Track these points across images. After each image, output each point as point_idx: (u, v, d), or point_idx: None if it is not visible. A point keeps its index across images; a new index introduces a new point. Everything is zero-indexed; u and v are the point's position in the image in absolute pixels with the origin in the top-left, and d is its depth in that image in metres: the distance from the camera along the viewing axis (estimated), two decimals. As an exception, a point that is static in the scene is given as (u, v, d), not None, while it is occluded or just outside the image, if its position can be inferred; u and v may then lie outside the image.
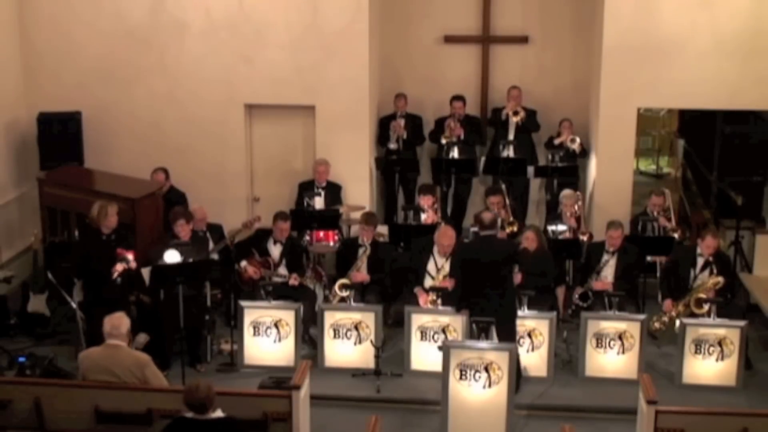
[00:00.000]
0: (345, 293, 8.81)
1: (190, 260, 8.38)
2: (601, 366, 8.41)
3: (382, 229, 10.18)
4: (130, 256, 8.35)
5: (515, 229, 9.87)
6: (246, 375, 8.49)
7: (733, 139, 11.23)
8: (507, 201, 10.08)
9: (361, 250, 9.39)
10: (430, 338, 8.45)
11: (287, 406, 6.54)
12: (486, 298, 7.88)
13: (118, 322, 6.71)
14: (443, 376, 7.46)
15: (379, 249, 9.44)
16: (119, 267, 8.31)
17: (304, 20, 10.26)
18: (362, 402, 8.05)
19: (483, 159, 10.90)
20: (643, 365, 8.32)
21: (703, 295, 8.64)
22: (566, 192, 10.07)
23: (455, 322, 8.39)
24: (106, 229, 8.45)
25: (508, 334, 7.91)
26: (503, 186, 10.31)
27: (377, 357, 8.32)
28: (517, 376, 7.83)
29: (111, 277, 8.27)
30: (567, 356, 8.77)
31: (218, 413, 5.90)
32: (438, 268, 9.08)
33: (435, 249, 9.13)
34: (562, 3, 11.21)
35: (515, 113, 10.82)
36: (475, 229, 9.56)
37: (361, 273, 9.32)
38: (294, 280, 9.13)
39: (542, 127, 11.08)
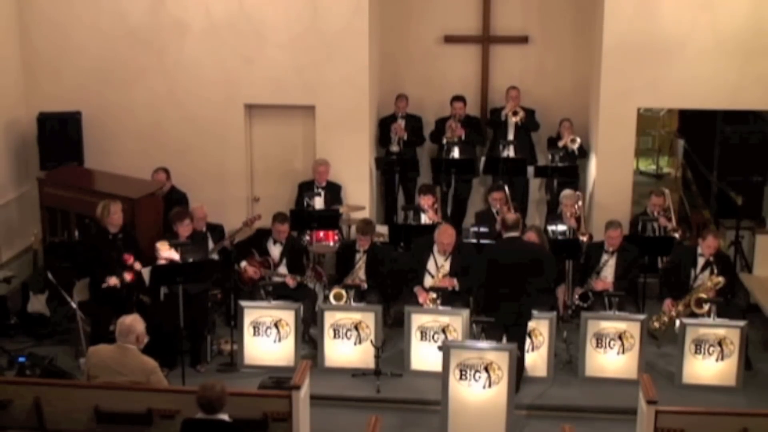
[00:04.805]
0: (342, 302, 8.78)
1: (190, 260, 8.39)
2: (601, 366, 8.41)
3: (382, 230, 10.17)
4: (128, 277, 8.39)
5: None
6: (246, 375, 8.49)
7: (733, 139, 11.24)
8: (508, 196, 10.05)
9: (357, 256, 9.37)
10: (430, 338, 8.45)
11: (287, 406, 6.54)
12: (507, 300, 7.82)
13: (130, 324, 6.67)
14: (443, 376, 7.46)
15: (377, 252, 9.41)
16: (111, 282, 8.36)
17: (304, 20, 10.26)
18: (362, 402, 8.04)
19: (483, 159, 10.90)
20: (643, 365, 8.32)
21: (703, 295, 8.64)
22: (566, 192, 10.06)
23: (455, 322, 8.39)
24: (112, 227, 8.47)
25: (520, 338, 7.90)
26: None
27: (377, 357, 8.31)
28: (519, 376, 7.83)
29: (102, 286, 8.33)
30: (567, 356, 8.77)
31: (225, 416, 5.92)
32: (438, 267, 9.08)
33: (435, 248, 9.13)
34: (562, 3, 11.20)
35: (515, 113, 10.82)
36: (476, 228, 9.58)
37: (357, 280, 9.30)
38: (291, 281, 9.12)
39: (542, 127, 11.08)
